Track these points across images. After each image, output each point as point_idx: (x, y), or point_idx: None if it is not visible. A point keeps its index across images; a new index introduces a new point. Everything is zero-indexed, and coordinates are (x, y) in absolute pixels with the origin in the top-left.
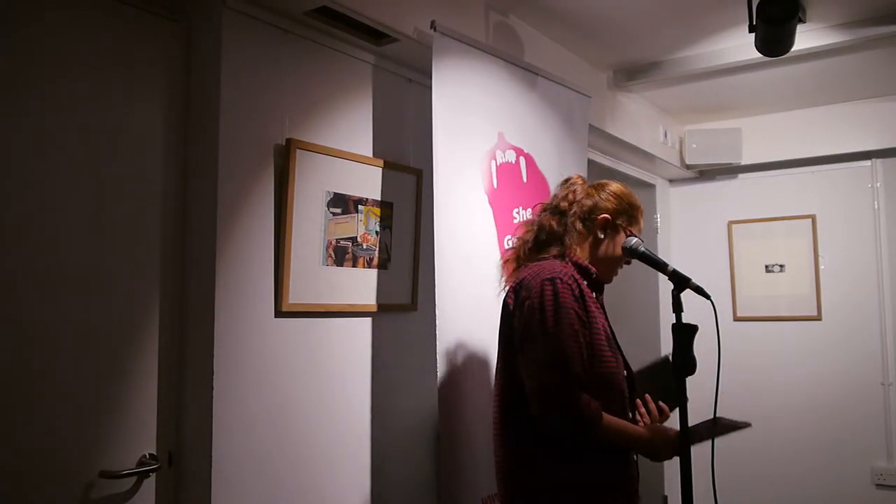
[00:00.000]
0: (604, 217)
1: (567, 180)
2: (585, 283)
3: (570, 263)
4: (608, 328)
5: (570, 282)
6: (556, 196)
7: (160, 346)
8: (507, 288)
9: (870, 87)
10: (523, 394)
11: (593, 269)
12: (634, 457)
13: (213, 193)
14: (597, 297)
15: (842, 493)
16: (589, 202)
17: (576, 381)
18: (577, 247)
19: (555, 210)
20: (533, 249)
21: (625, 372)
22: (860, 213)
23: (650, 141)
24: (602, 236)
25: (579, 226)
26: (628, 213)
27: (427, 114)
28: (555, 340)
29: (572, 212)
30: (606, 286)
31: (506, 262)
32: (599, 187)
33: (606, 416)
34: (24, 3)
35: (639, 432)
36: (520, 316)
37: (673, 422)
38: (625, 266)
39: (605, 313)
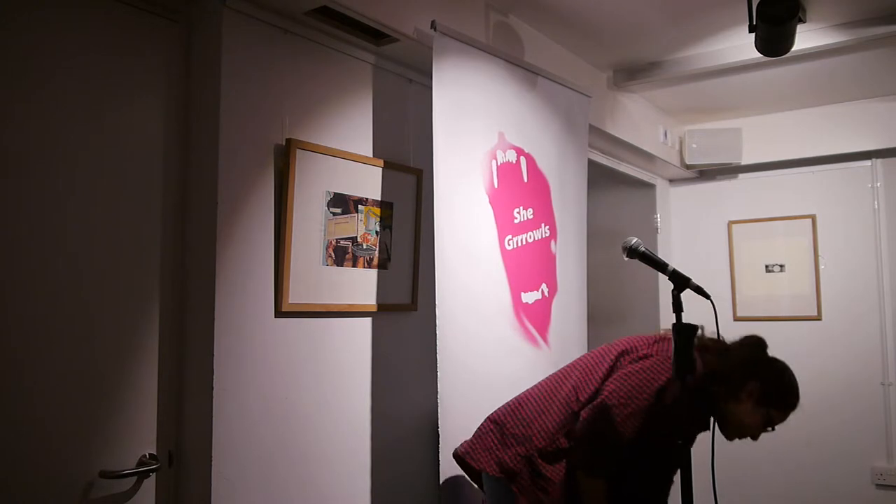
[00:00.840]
0: (754, 384)
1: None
2: None
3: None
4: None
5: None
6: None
7: (160, 346)
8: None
9: (870, 87)
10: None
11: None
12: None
13: (213, 193)
14: None
15: (842, 493)
16: (755, 366)
17: (617, 444)
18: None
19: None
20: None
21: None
22: (860, 213)
23: (650, 141)
24: (741, 396)
25: (735, 375)
26: (779, 398)
27: (427, 114)
28: (632, 409)
29: (735, 356)
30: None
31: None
32: (772, 361)
33: (600, 487)
34: (23, 2)
35: None
36: (634, 360)
37: None
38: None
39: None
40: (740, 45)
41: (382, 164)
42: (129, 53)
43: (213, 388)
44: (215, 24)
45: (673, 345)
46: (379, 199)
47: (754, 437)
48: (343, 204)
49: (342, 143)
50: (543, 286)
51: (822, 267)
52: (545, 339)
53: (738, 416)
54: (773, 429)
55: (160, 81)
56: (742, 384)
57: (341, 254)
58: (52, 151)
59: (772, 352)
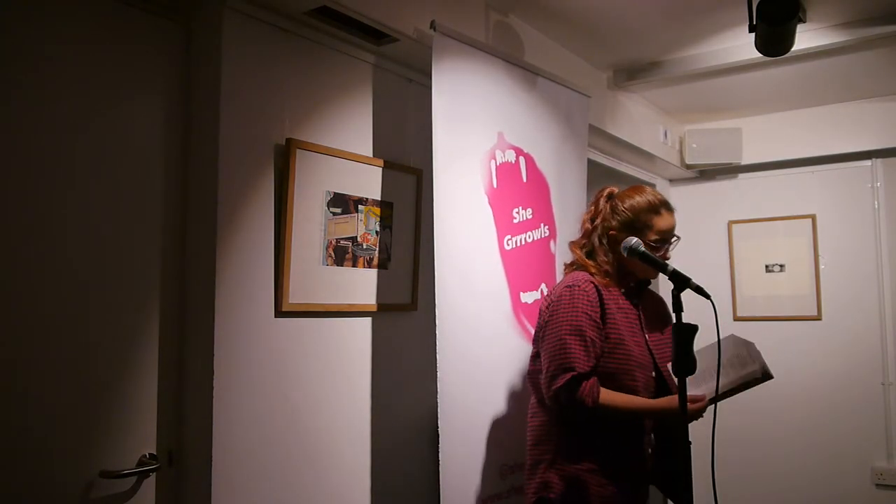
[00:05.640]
0: (613, 234)
1: (597, 195)
2: (622, 290)
3: (600, 278)
4: (637, 328)
5: (586, 287)
6: (585, 215)
7: (160, 347)
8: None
9: (870, 87)
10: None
11: (634, 277)
12: (648, 449)
13: (213, 193)
14: (636, 302)
15: (842, 493)
16: (605, 223)
17: (571, 370)
18: (604, 261)
19: (584, 232)
20: (570, 265)
21: (653, 374)
22: (860, 213)
23: (650, 141)
24: (619, 249)
25: (604, 242)
26: (630, 223)
27: (427, 114)
28: (561, 337)
29: (597, 233)
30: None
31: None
32: (613, 206)
33: (605, 394)
34: (23, 2)
35: (648, 403)
36: (545, 316)
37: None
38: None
39: (640, 314)
40: (740, 45)
41: (382, 164)
42: (129, 53)
43: (213, 388)
44: (215, 24)
45: (570, 273)
46: (379, 199)
47: (665, 260)
48: (343, 204)
49: (342, 143)
50: (543, 286)
51: (822, 267)
52: None
53: (633, 263)
54: (673, 240)
55: (160, 81)
56: (613, 244)
57: (341, 254)
58: (52, 151)
59: (772, 352)
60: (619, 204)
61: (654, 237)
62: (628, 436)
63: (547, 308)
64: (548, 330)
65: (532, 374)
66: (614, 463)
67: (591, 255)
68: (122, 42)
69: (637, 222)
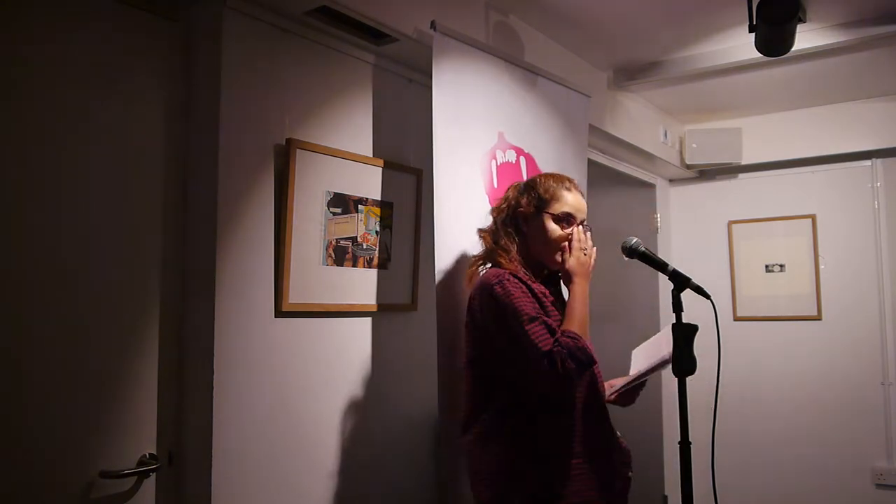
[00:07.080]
0: (520, 211)
1: (506, 191)
2: (539, 281)
3: (511, 266)
4: (559, 316)
5: (512, 279)
6: (493, 206)
7: (160, 346)
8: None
9: (870, 87)
10: (492, 390)
11: (543, 267)
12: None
13: (214, 194)
14: (552, 292)
15: (842, 493)
16: (510, 205)
17: (549, 337)
18: (514, 248)
19: (489, 226)
20: (482, 262)
21: None
22: (860, 213)
23: (650, 141)
24: (526, 229)
25: (508, 229)
26: (538, 195)
27: (427, 114)
28: (521, 322)
29: (501, 220)
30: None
31: (469, 279)
32: (526, 186)
33: (574, 334)
34: (23, 3)
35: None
36: (481, 318)
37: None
38: (588, 255)
39: (555, 300)
40: (740, 45)
41: (382, 164)
42: (129, 53)
43: (213, 388)
44: (215, 24)
45: (486, 272)
46: (379, 199)
47: (568, 248)
48: (343, 204)
49: (342, 143)
50: None
51: (822, 267)
52: None
53: (541, 236)
54: (584, 224)
55: (160, 81)
56: (521, 225)
57: (341, 254)
58: (51, 152)
59: (772, 352)
60: (530, 183)
61: (563, 209)
62: (604, 436)
63: (483, 310)
64: (508, 321)
65: (474, 381)
66: (603, 470)
67: (497, 241)
68: (122, 42)
69: (547, 194)
